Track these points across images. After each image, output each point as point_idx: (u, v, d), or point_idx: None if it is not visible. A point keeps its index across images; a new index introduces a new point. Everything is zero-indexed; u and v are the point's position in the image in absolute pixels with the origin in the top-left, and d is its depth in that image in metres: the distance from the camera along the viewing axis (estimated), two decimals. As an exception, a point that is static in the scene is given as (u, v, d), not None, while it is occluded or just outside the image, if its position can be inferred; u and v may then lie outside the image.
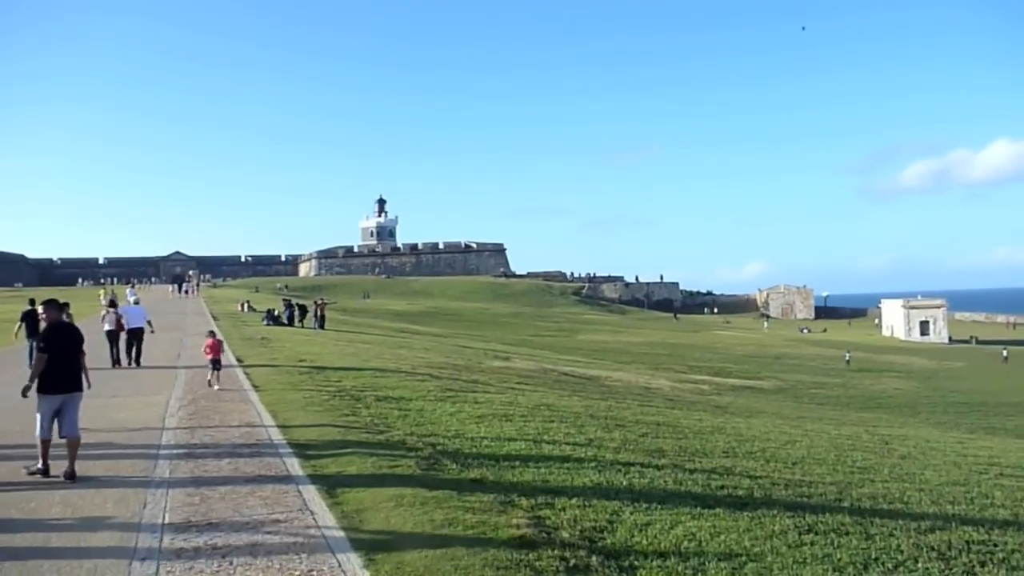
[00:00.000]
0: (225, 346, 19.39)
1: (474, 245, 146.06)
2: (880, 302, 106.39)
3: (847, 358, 55.50)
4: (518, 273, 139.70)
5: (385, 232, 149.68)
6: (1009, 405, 33.67)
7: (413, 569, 5.43)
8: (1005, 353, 68.47)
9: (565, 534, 6.26)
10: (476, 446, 9.70)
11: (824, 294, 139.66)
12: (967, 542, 6.88)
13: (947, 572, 5.95)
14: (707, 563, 5.85)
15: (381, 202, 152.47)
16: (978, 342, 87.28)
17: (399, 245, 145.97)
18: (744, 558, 6.00)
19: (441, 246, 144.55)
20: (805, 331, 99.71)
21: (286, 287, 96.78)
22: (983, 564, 6.20)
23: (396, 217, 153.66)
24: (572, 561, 5.67)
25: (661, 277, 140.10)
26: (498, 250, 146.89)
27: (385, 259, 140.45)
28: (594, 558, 5.78)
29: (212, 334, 16.52)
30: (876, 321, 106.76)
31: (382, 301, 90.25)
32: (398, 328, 50.00)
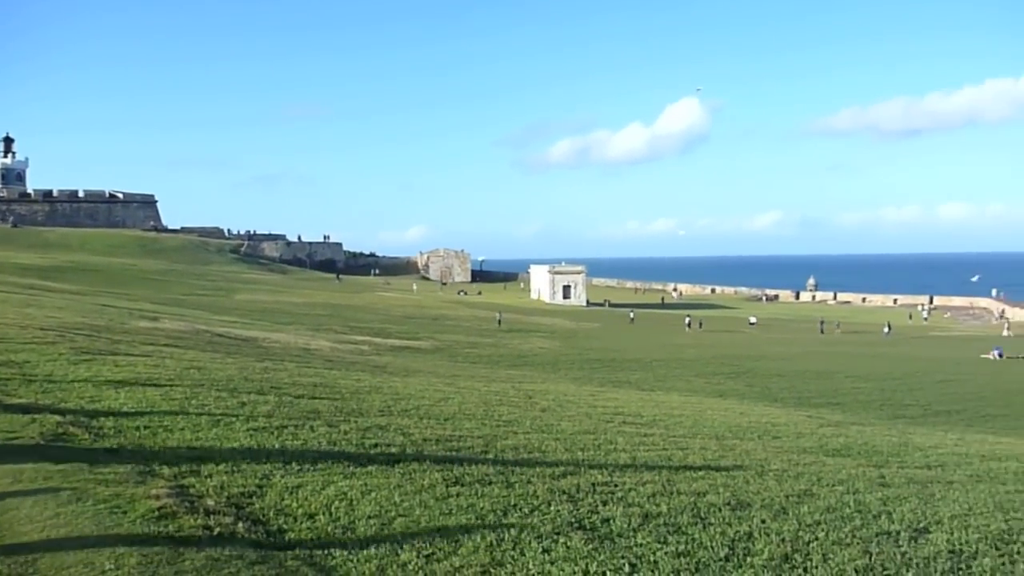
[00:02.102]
0: None
1: (120, 195, 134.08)
2: (529, 267, 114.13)
3: (499, 319, 58.90)
4: (170, 228, 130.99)
5: (12, 176, 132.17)
6: (633, 361, 37.75)
7: (27, 554, 4.88)
8: (632, 315, 76.78)
9: (210, 502, 5.99)
10: (114, 414, 8.94)
11: (481, 258, 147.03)
12: (593, 484, 7.58)
13: (575, 512, 6.50)
14: (357, 521, 5.89)
15: (7, 141, 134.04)
16: (610, 305, 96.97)
17: (29, 191, 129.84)
18: (393, 513, 6.12)
19: (81, 194, 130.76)
20: (462, 293, 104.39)
21: None
22: (605, 503, 6.86)
23: (26, 159, 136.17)
24: (217, 529, 5.42)
25: (325, 237, 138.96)
26: (148, 202, 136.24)
27: (12, 206, 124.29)
28: (240, 524, 5.58)
29: None
30: (522, 286, 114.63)
31: (8, 253, 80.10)
32: (26, 284, 44.75)
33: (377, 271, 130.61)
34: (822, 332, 69.61)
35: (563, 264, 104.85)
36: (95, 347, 15.54)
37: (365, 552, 5.33)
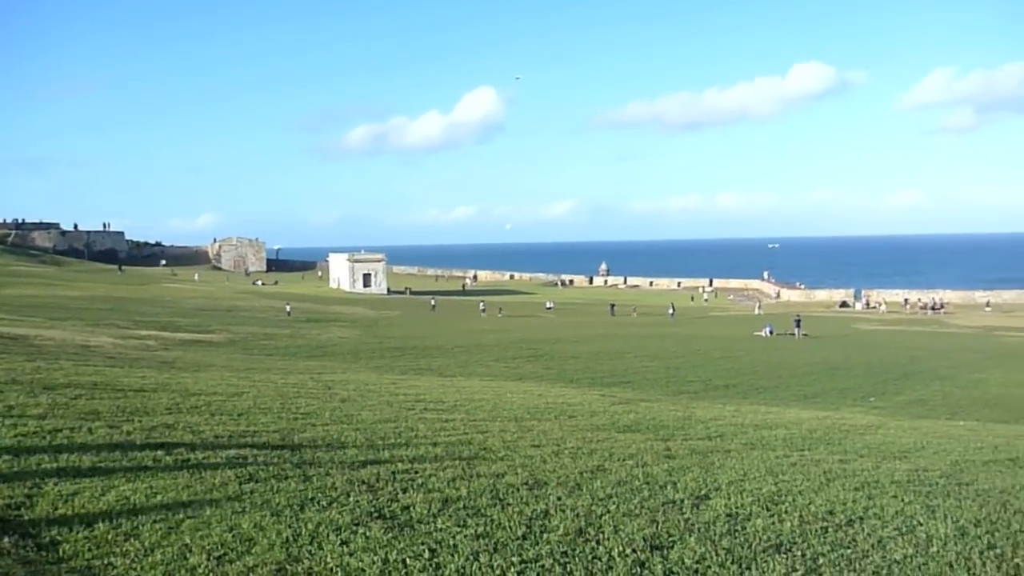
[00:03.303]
0: None
1: None
2: (328, 256, 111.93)
3: (288, 310, 57.51)
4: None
5: None
6: (435, 348, 37.90)
7: None
8: (433, 302, 77.11)
9: (-31, 517, 5.44)
10: None
11: (277, 247, 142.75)
12: (393, 472, 7.54)
13: (375, 501, 6.44)
14: (141, 526, 5.55)
15: None
16: (411, 293, 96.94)
17: None
18: (182, 515, 5.81)
19: None
20: (258, 283, 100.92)
21: None
22: (405, 491, 6.84)
23: None
24: (-23, 546, 4.94)
25: (105, 225, 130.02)
26: None
27: None
28: (6, 539, 5.11)
29: None
30: (320, 275, 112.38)
31: None
32: None
33: (164, 261, 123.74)
34: (612, 315, 72.83)
35: (363, 252, 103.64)
36: None
37: (150, 559, 5.02)
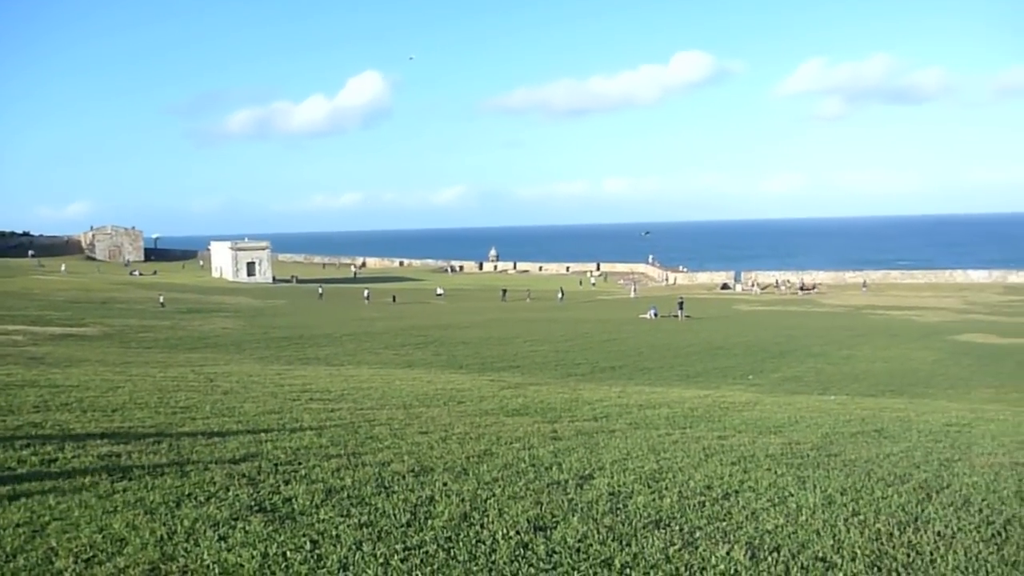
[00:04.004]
0: None
1: None
2: (210, 244, 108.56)
3: (161, 301, 55.67)
4: None
5: None
6: (322, 336, 37.34)
7: None
8: (320, 290, 75.88)
9: None
10: None
11: (155, 236, 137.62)
12: (275, 464, 7.39)
13: (255, 495, 6.29)
14: (3, 530, 5.27)
15: None
16: (298, 281, 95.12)
17: None
18: (47, 518, 5.55)
19: None
20: (136, 273, 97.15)
21: None
22: (287, 483, 6.71)
23: None
24: None
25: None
26: None
27: None
28: None
29: None
30: (202, 264, 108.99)
31: None
32: None
33: (33, 252, 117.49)
34: (504, 300, 73.28)
35: (246, 240, 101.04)
36: None
37: (12, 565, 4.78)
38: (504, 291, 78.09)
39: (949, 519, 6.48)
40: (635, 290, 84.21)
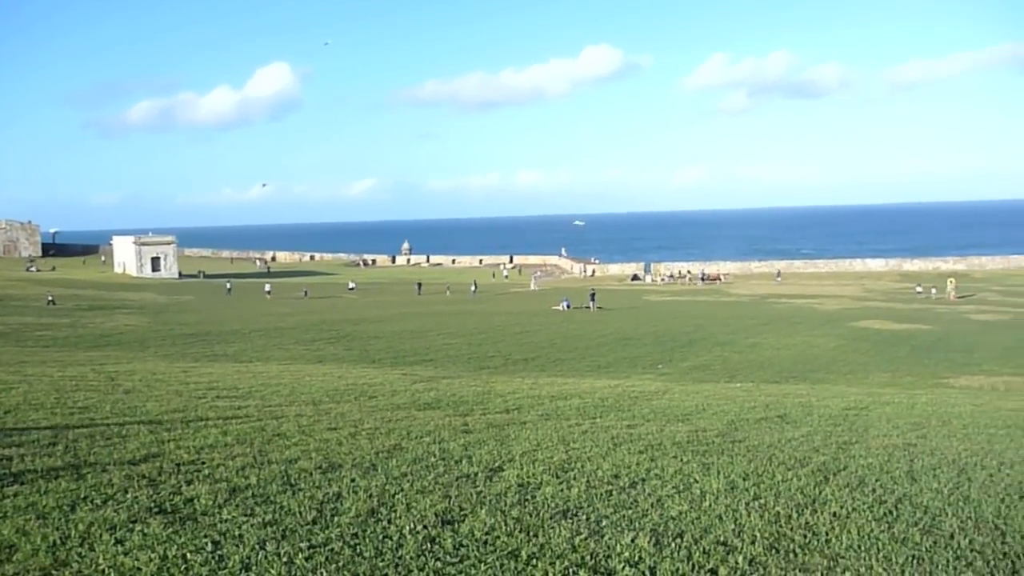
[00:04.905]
0: None
1: None
2: (112, 239, 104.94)
3: (49, 299, 53.51)
4: None
5: None
6: (230, 333, 36.51)
7: None
8: (229, 285, 74.15)
9: None
10: None
11: (53, 230, 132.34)
12: (177, 464, 7.20)
13: (155, 496, 6.11)
14: None
15: None
16: (205, 276, 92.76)
17: None
18: (-70, 527, 5.28)
19: None
20: (33, 269, 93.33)
21: None
22: (189, 483, 6.54)
23: None
24: None
25: None
26: None
27: None
28: None
29: None
30: (103, 259, 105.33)
31: None
32: None
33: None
34: (419, 294, 72.91)
35: (151, 234, 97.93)
36: None
37: None
38: (419, 284, 77.68)
39: (844, 500, 6.73)
40: (535, 282, 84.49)
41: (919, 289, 69.23)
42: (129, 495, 6.13)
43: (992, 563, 5.37)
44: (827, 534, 5.79)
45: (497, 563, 5.05)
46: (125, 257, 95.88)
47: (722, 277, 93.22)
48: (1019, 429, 12.53)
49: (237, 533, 5.36)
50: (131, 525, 5.43)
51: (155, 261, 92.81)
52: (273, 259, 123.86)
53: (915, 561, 5.34)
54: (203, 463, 7.34)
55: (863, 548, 5.54)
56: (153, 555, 4.92)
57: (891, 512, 6.41)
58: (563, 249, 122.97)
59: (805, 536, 5.73)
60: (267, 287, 71.08)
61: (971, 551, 5.57)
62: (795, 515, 6.22)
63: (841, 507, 6.50)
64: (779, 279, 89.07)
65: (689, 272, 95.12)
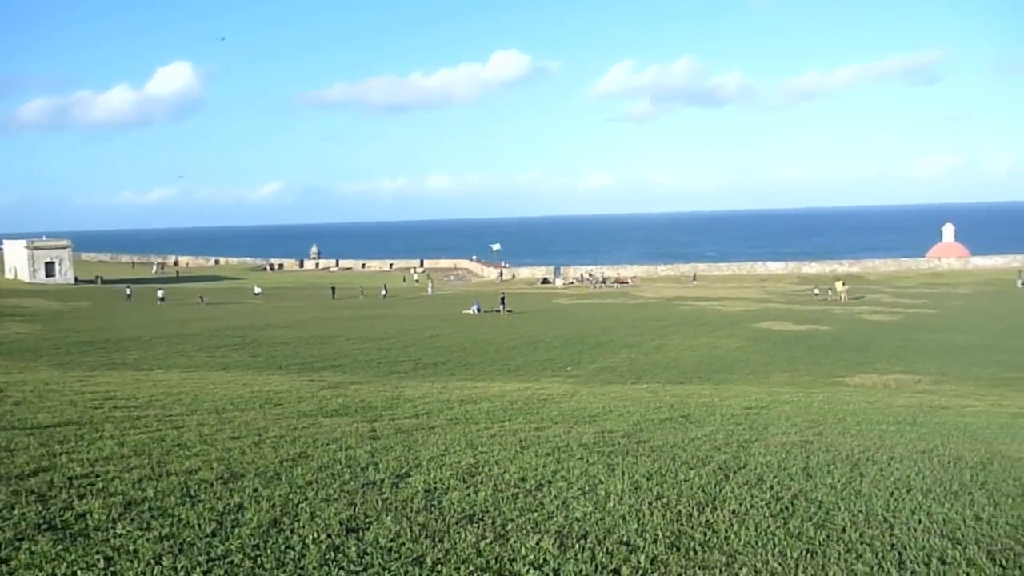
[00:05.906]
0: None
1: None
2: (2, 243, 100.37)
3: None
4: None
5: None
6: (130, 340, 35.33)
7: None
8: (129, 291, 71.76)
9: None
10: None
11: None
12: (69, 478, 6.92)
13: (44, 512, 5.86)
14: None
15: None
16: (103, 281, 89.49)
17: None
18: None
19: None
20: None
21: None
22: (82, 497, 6.30)
23: None
24: None
25: None
26: None
27: None
28: None
29: None
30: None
31: None
32: None
33: None
34: (334, 298, 71.93)
35: (44, 238, 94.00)
36: None
37: None
38: (333, 289, 76.72)
39: (743, 497, 6.93)
40: (431, 288, 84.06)
41: (816, 291, 71.73)
42: (16, 512, 5.86)
43: (881, 554, 5.60)
44: (726, 531, 5.95)
45: (402, 570, 5.02)
46: (16, 262, 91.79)
47: (629, 280, 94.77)
48: (908, 425, 13.13)
49: (131, 548, 5.18)
50: (18, 543, 5.19)
51: (49, 266, 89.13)
52: (176, 263, 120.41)
53: (809, 555, 5.53)
54: (97, 476, 7.08)
55: (760, 544, 5.71)
56: (41, 574, 4.73)
57: (787, 508, 6.63)
58: (474, 256, 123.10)
59: (705, 534, 5.88)
60: (160, 293, 68.78)
61: (862, 543, 5.80)
62: (696, 513, 6.36)
63: (740, 504, 6.68)
64: (695, 282, 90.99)
65: (597, 274, 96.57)
